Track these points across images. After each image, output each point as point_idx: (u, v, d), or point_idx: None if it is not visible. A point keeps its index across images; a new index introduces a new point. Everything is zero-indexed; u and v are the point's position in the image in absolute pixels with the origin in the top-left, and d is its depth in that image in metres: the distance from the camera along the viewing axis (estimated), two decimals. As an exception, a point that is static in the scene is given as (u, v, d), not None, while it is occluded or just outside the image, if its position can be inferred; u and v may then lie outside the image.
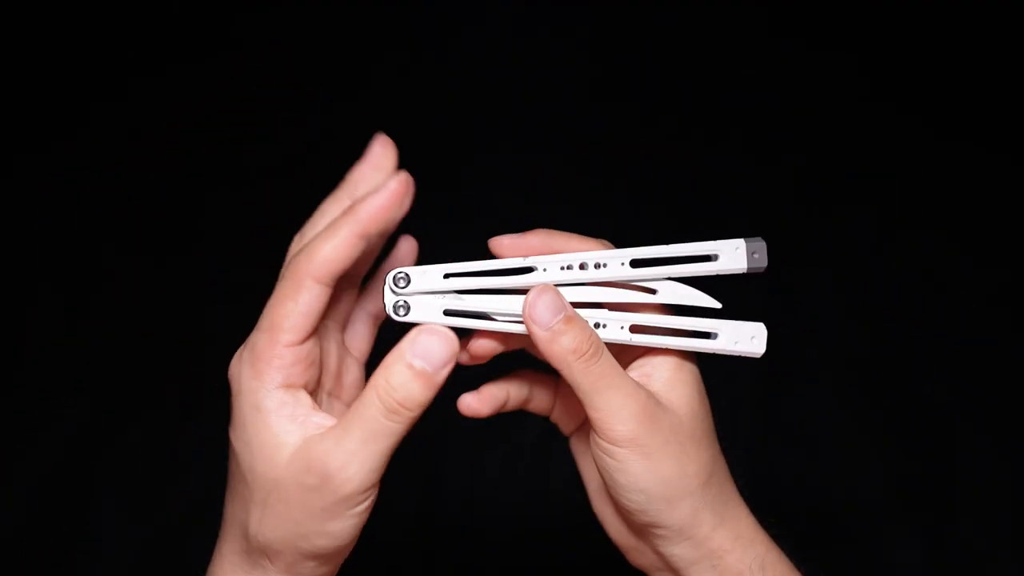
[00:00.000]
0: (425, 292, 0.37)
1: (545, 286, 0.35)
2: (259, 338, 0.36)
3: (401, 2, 1.31)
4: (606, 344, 0.36)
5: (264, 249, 1.14)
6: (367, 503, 0.34)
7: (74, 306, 1.00)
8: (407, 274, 0.38)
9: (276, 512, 0.34)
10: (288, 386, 0.35)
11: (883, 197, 1.09)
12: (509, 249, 0.38)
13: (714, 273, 0.37)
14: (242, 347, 0.38)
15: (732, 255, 0.37)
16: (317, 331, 0.36)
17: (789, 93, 1.20)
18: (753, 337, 0.39)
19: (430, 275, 0.38)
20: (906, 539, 0.84)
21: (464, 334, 0.39)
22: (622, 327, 0.37)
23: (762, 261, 0.37)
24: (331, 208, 0.38)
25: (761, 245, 0.37)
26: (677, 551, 0.36)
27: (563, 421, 0.43)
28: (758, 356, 0.39)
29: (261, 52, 1.26)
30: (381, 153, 0.39)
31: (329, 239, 0.34)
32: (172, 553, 0.83)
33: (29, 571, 0.82)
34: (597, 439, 0.35)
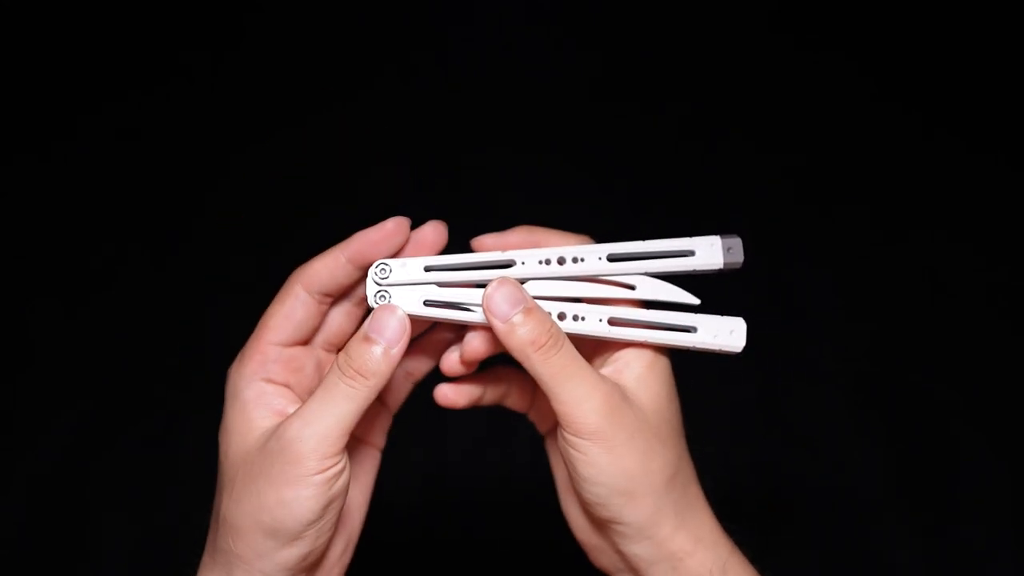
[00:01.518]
0: (405, 283, 0.38)
1: (504, 279, 0.36)
2: (250, 337, 0.39)
3: (401, 2, 1.31)
4: (584, 336, 0.36)
5: (264, 250, 1.15)
6: (327, 474, 0.33)
7: (74, 307, 1.00)
8: (388, 265, 0.39)
9: (242, 486, 0.34)
10: (268, 380, 0.38)
11: (883, 197, 1.09)
12: (492, 248, 0.39)
13: (690, 269, 0.37)
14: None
15: (708, 251, 0.37)
16: (309, 343, 0.39)
17: (789, 93, 1.21)
18: (732, 331, 0.38)
19: (411, 267, 0.39)
20: (906, 539, 0.84)
21: (426, 334, 0.41)
22: (600, 320, 0.37)
23: (737, 256, 0.37)
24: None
25: (737, 241, 0.37)
26: (637, 550, 0.36)
27: (539, 420, 0.43)
28: (738, 351, 0.38)
29: (261, 52, 1.26)
30: (394, 230, 0.40)
31: (320, 256, 0.38)
32: (172, 553, 0.83)
33: (29, 571, 0.82)
34: (562, 431, 0.35)
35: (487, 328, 0.36)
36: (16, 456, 0.89)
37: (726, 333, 0.38)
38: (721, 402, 0.90)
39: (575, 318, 0.37)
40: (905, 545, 0.83)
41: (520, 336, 0.34)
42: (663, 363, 0.37)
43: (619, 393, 0.35)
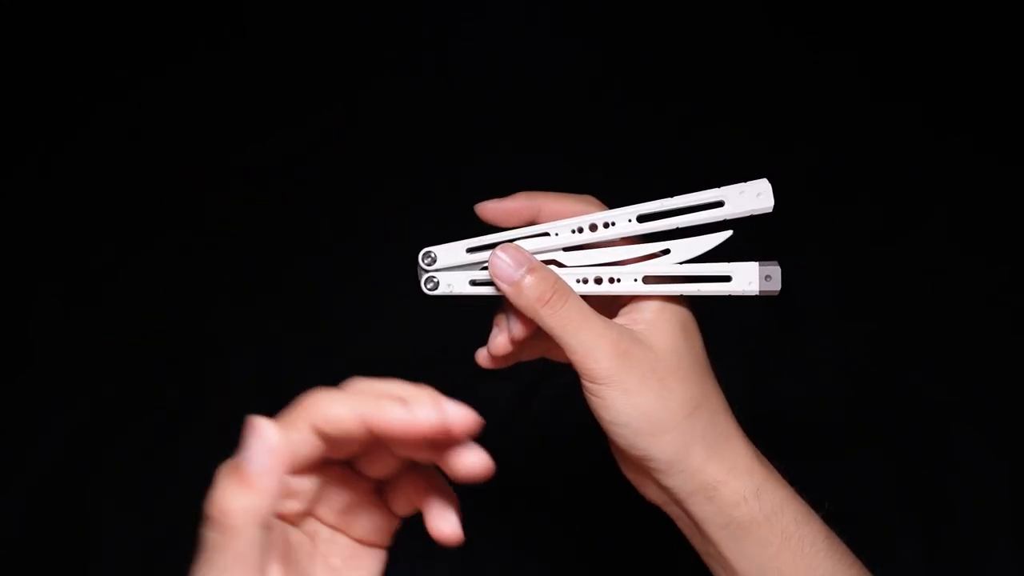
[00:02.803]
0: (452, 268, 0.40)
1: (506, 244, 0.38)
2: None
3: (402, 2, 1.31)
4: (623, 296, 0.38)
5: (264, 249, 1.15)
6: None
7: (74, 306, 1.00)
8: (433, 252, 0.41)
9: None
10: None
11: (882, 197, 1.09)
12: (493, 212, 0.41)
13: (721, 219, 0.38)
14: None
15: (738, 199, 0.39)
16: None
17: (789, 93, 1.21)
18: (768, 277, 0.39)
19: (454, 251, 0.41)
20: (905, 539, 0.84)
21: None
22: (635, 279, 0.38)
23: (775, 285, 0.39)
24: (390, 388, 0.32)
25: (775, 270, 0.39)
26: (673, 483, 0.37)
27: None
28: (776, 292, 0.39)
29: (262, 52, 1.26)
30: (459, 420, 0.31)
31: (343, 400, 0.31)
32: (172, 553, 0.83)
33: (29, 571, 0.82)
34: (582, 380, 0.37)
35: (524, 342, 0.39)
36: (16, 456, 0.89)
37: (761, 279, 0.39)
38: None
39: (611, 280, 0.38)
40: (904, 545, 0.83)
41: (527, 295, 0.36)
42: (673, 306, 0.39)
43: (628, 337, 0.37)
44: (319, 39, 1.27)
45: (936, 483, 0.87)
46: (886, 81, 1.21)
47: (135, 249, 1.05)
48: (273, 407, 1.01)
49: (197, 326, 0.98)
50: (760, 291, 0.39)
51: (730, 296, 0.39)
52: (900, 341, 0.97)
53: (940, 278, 1.01)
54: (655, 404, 0.36)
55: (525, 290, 0.37)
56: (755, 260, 0.39)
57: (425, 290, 0.41)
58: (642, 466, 0.38)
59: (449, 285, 0.40)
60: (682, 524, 0.40)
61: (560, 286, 0.37)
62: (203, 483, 0.80)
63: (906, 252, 1.04)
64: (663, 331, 0.38)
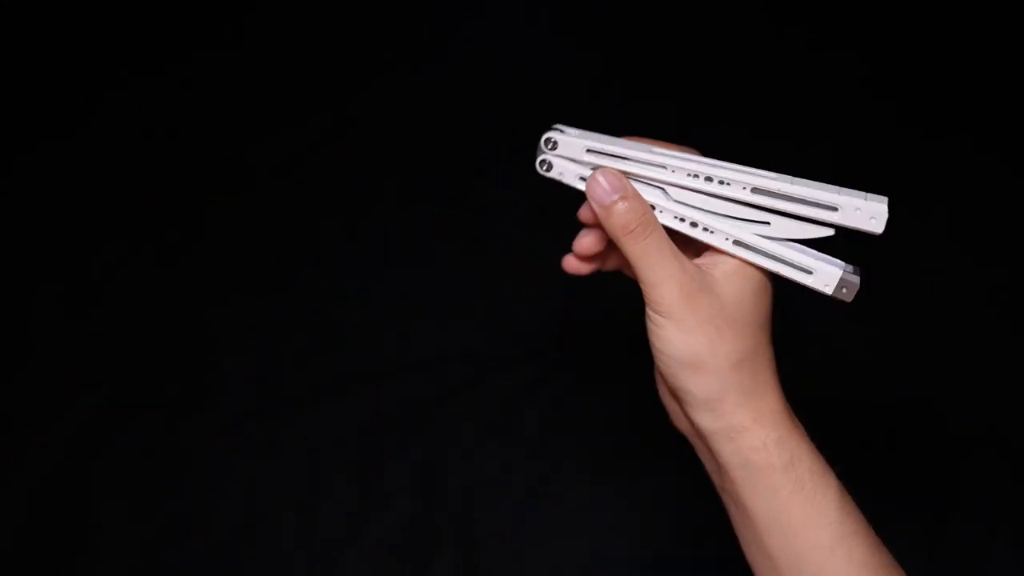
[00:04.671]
0: (567, 158, 0.41)
1: (606, 169, 0.40)
2: None
3: (402, 2, 1.31)
4: (710, 246, 0.40)
5: (265, 249, 1.15)
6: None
7: (74, 306, 1.00)
8: (555, 139, 0.42)
9: None
10: None
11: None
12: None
13: (828, 223, 0.40)
14: None
15: (852, 214, 0.40)
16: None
17: (790, 93, 1.21)
18: (844, 289, 0.41)
19: (574, 146, 0.42)
20: (905, 538, 0.84)
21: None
22: (727, 239, 0.40)
23: (847, 296, 0.41)
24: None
25: (854, 283, 0.41)
26: (700, 419, 0.39)
27: None
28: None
29: (263, 53, 1.26)
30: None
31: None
32: (172, 553, 0.83)
33: (29, 571, 0.82)
34: (647, 307, 0.39)
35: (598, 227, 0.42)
36: (17, 455, 0.89)
37: (838, 286, 0.41)
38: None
39: (705, 229, 0.40)
40: (904, 544, 0.83)
41: (614, 220, 0.39)
42: (754, 268, 0.41)
43: (698, 282, 0.39)
44: (319, 40, 1.27)
45: (936, 483, 0.87)
46: (886, 81, 1.21)
47: (135, 249, 1.05)
48: (273, 407, 1.01)
49: (197, 326, 0.98)
50: (832, 295, 0.41)
51: (803, 286, 0.41)
52: (900, 341, 0.97)
53: (940, 278, 1.01)
54: (705, 348, 0.38)
55: (614, 216, 0.39)
56: (841, 262, 0.42)
57: (539, 170, 0.42)
58: (677, 396, 0.41)
59: (560, 173, 0.42)
60: (703, 456, 0.43)
61: (647, 219, 0.39)
62: (203, 483, 0.80)
63: (906, 252, 1.04)
64: (735, 285, 0.40)
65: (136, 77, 1.22)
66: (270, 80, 1.23)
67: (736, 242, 0.40)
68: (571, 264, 0.45)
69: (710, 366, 0.39)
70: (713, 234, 0.40)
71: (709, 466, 0.42)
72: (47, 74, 1.23)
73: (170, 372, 0.95)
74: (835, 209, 0.40)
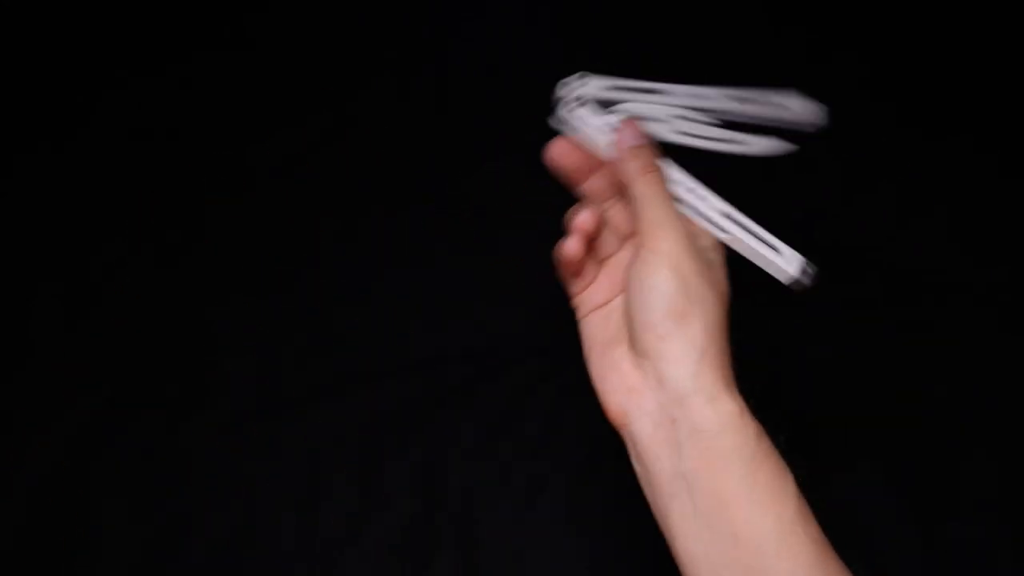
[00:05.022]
0: (589, 100, 0.48)
1: (631, 120, 0.46)
2: None
3: (402, 2, 1.31)
4: (695, 211, 0.45)
5: (265, 249, 1.15)
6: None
7: (74, 306, 1.00)
8: (585, 80, 0.48)
9: None
10: None
11: (881, 197, 1.09)
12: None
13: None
14: None
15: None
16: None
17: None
18: (792, 264, 0.45)
19: (599, 87, 0.48)
20: (903, 538, 0.84)
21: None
22: (715, 210, 0.46)
23: (805, 281, 0.45)
24: None
25: (809, 271, 0.45)
26: (679, 373, 0.39)
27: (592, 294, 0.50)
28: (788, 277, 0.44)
29: (262, 52, 1.26)
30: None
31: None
32: (172, 553, 0.83)
33: (29, 571, 0.82)
34: (642, 247, 0.41)
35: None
36: (17, 455, 0.89)
37: (800, 270, 0.46)
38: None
39: (698, 197, 0.45)
40: (902, 544, 0.83)
41: (635, 163, 0.44)
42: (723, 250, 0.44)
43: (694, 238, 0.42)
44: (319, 40, 1.27)
45: (935, 483, 0.87)
46: (886, 81, 1.21)
47: (135, 249, 1.05)
48: (273, 407, 1.01)
49: (197, 326, 0.98)
50: (792, 277, 0.45)
51: (766, 267, 0.45)
52: (900, 341, 0.97)
53: (940, 278, 1.01)
54: (700, 293, 0.40)
55: (640, 157, 0.44)
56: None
57: (564, 112, 0.47)
58: (652, 349, 0.40)
59: (581, 120, 0.46)
60: (650, 443, 0.40)
61: (660, 166, 0.44)
62: (204, 483, 0.81)
63: (906, 252, 1.04)
64: (718, 256, 0.44)
65: (136, 77, 1.22)
66: (270, 80, 1.23)
67: (723, 213, 0.44)
68: (571, 248, 0.47)
69: (699, 314, 0.39)
70: (704, 200, 0.45)
71: (655, 458, 0.40)
72: (47, 74, 1.23)
73: (170, 372, 0.95)
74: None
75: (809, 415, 0.92)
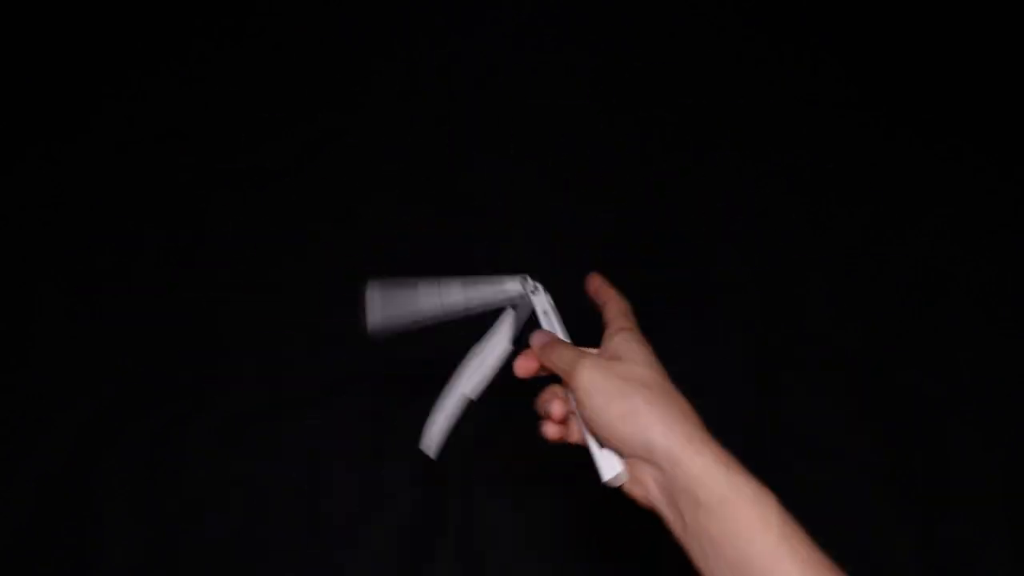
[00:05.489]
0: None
1: (543, 331, 0.56)
2: None
3: (402, 1, 1.31)
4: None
5: (266, 249, 1.15)
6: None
7: (77, 306, 1.00)
8: (539, 287, 0.59)
9: None
10: None
11: (882, 198, 1.10)
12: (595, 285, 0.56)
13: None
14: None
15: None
16: None
17: (785, 96, 1.21)
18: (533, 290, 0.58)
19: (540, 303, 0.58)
20: (901, 537, 0.84)
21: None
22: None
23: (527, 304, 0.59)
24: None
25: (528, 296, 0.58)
26: (664, 443, 0.44)
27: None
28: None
29: (263, 54, 1.26)
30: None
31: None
32: (173, 553, 0.83)
33: (33, 570, 0.82)
34: (574, 394, 0.49)
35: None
36: (18, 455, 0.89)
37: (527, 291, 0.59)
38: (719, 401, 0.90)
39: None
40: (900, 543, 0.83)
41: (549, 350, 0.53)
42: (636, 334, 0.51)
43: (600, 357, 0.50)
44: (319, 40, 1.28)
45: (934, 482, 0.87)
46: (882, 83, 1.21)
47: (136, 249, 1.05)
48: (273, 407, 1.01)
49: (198, 326, 0.98)
50: (518, 299, 0.58)
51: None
52: (899, 341, 0.97)
53: (937, 278, 1.02)
54: (635, 388, 0.47)
55: (549, 347, 0.53)
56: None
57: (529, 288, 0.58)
58: (640, 451, 0.46)
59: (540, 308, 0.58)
60: (676, 511, 0.45)
61: (564, 351, 0.52)
62: (205, 483, 0.80)
63: (906, 252, 1.05)
64: (624, 340, 0.50)
65: (137, 77, 1.23)
66: (270, 80, 1.23)
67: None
68: (550, 431, 0.54)
69: (651, 395, 0.46)
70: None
71: (680, 522, 0.44)
72: (48, 74, 1.23)
73: (170, 372, 0.95)
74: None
75: (809, 415, 0.92)
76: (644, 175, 1.12)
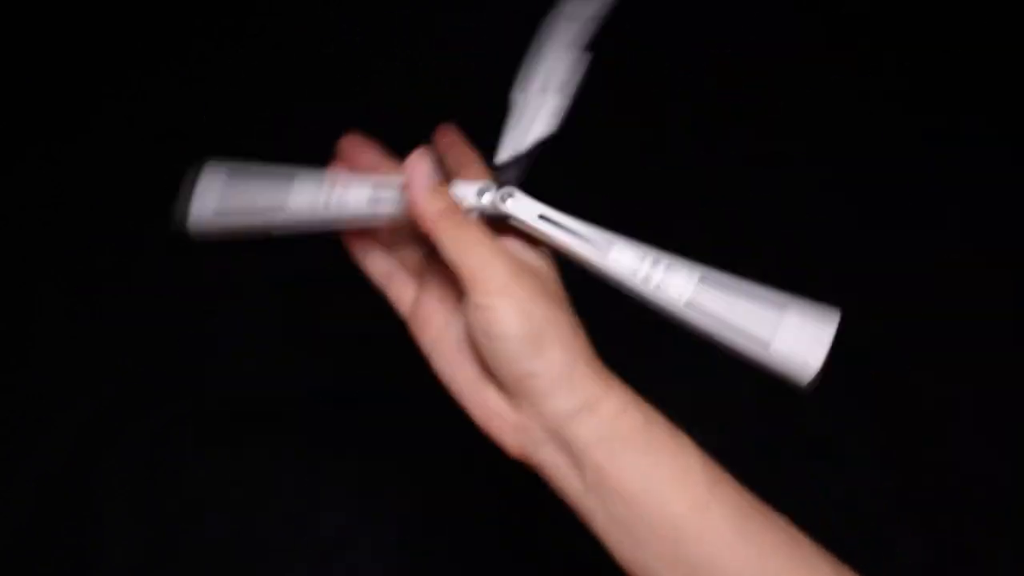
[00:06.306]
0: (518, 217, 0.41)
1: (422, 154, 0.42)
2: None
3: (401, 3, 1.31)
4: (520, 220, 0.41)
5: (266, 249, 1.14)
6: None
7: (77, 306, 1.00)
8: (514, 195, 0.42)
9: None
10: None
11: (883, 198, 1.10)
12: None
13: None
14: None
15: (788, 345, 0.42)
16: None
17: (786, 92, 1.21)
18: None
19: (527, 208, 0.42)
20: (904, 537, 0.84)
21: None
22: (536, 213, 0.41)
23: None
24: None
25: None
26: (555, 402, 0.37)
27: (421, 326, 0.47)
28: None
29: (263, 53, 1.26)
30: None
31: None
32: (173, 553, 0.83)
33: (33, 570, 0.82)
34: (472, 297, 0.38)
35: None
36: (18, 455, 0.89)
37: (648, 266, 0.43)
38: (719, 401, 0.90)
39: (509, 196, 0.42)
40: (903, 543, 0.83)
41: (432, 207, 0.39)
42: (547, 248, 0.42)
43: (519, 261, 0.39)
44: (318, 39, 1.28)
45: (935, 482, 0.87)
46: (885, 79, 1.21)
47: (136, 249, 1.05)
48: (273, 406, 1.01)
49: (197, 326, 0.98)
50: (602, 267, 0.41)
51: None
52: (901, 341, 0.97)
53: (941, 278, 1.02)
54: (546, 316, 0.38)
55: (431, 204, 0.39)
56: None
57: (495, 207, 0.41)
58: (522, 389, 0.38)
59: (517, 210, 0.41)
60: (556, 469, 0.39)
61: (460, 208, 0.40)
62: (205, 483, 0.80)
63: (908, 252, 1.04)
64: (545, 261, 0.42)
65: (137, 77, 1.23)
66: (270, 80, 1.23)
67: (541, 215, 0.41)
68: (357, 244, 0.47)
69: (553, 336, 0.37)
70: (522, 205, 0.42)
71: (563, 474, 0.39)
72: (48, 74, 1.23)
73: (170, 372, 0.95)
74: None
75: (809, 415, 0.92)
76: (644, 175, 1.12)
